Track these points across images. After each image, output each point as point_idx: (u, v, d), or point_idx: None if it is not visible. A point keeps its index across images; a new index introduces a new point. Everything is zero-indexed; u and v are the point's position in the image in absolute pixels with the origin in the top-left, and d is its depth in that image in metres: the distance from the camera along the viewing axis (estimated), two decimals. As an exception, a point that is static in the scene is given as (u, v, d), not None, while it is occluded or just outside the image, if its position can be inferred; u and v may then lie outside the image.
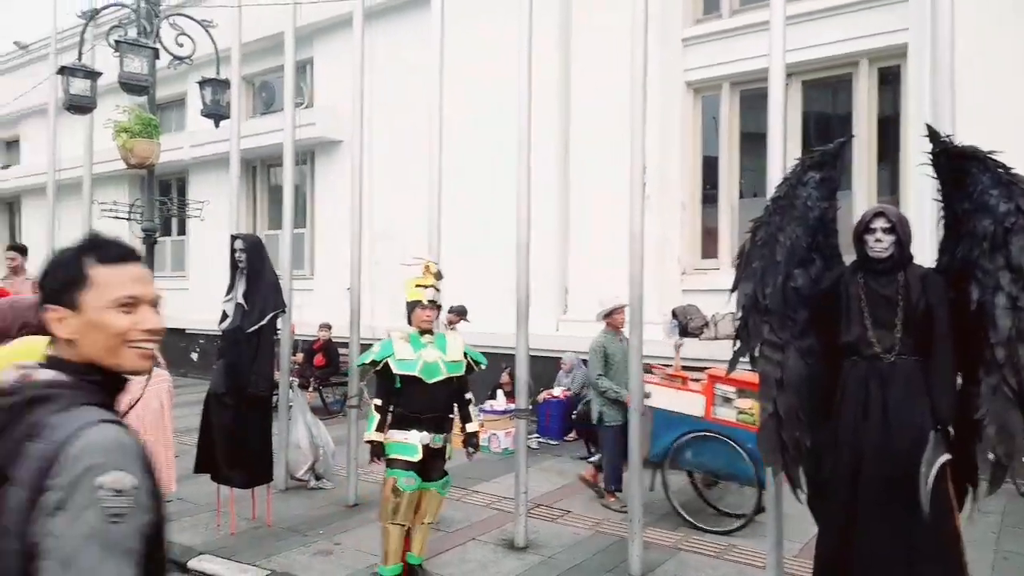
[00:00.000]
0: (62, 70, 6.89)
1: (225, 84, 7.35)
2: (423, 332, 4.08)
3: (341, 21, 10.17)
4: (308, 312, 10.18)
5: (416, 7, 9.55)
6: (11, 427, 1.17)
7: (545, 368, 8.13)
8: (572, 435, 7.77)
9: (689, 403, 5.13)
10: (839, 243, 3.38)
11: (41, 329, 1.39)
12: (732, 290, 3.40)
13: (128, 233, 12.91)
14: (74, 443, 1.11)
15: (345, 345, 9.54)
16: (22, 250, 9.69)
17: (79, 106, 6.98)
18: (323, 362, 9.77)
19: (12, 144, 17.18)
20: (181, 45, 7.28)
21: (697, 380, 5.35)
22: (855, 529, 2.99)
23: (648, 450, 5.01)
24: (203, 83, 7.28)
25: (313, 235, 11.68)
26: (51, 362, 1.26)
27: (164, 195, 11.63)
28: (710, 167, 8.54)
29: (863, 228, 3.12)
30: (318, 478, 6.09)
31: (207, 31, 7.52)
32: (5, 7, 10.35)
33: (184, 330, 12.79)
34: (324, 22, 10.49)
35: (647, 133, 4.61)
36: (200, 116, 7.70)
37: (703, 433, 5.00)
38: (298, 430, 6.00)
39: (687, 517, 5.14)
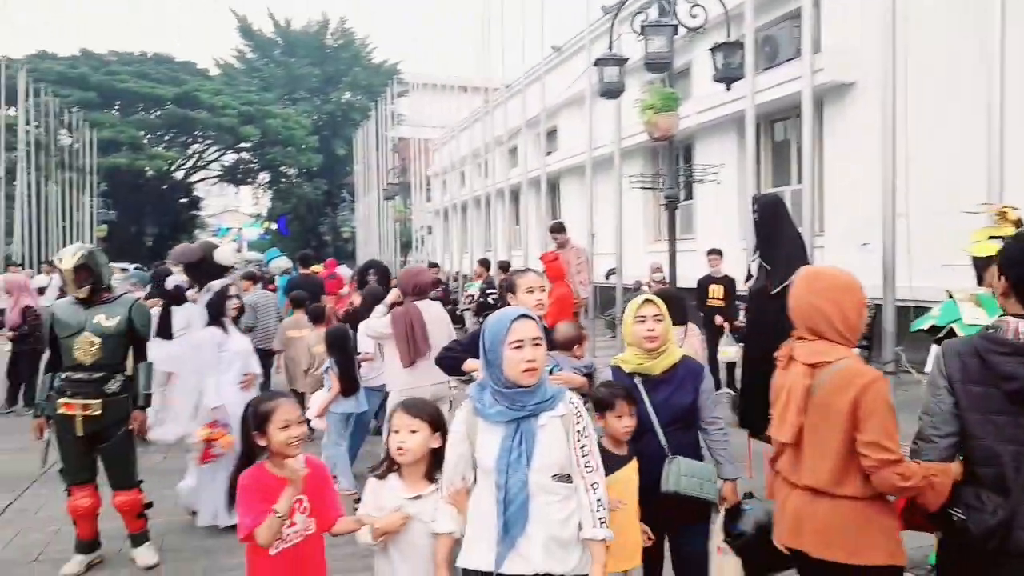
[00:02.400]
0: (597, 62, 7.83)
1: (735, 46, 7.35)
2: (1004, 295, 3.42)
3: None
4: (819, 271, 9.67)
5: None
6: None
7: None
8: None
9: None
10: None
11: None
12: None
13: (650, 200, 14.18)
14: None
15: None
16: (560, 228, 11.60)
17: (610, 91, 7.87)
18: (841, 323, 9.20)
19: (551, 134, 20.54)
20: (695, 16, 7.54)
21: None
22: None
23: None
24: (715, 48, 7.40)
25: (822, 189, 11.02)
26: None
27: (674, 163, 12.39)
28: None
29: None
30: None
31: (717, -5, 7.62)
32: (544, 19, 12.33)
33: (691, 289, 13.53)
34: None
35: None
36: (711, 82, 7.87)
37: None
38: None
39: None
